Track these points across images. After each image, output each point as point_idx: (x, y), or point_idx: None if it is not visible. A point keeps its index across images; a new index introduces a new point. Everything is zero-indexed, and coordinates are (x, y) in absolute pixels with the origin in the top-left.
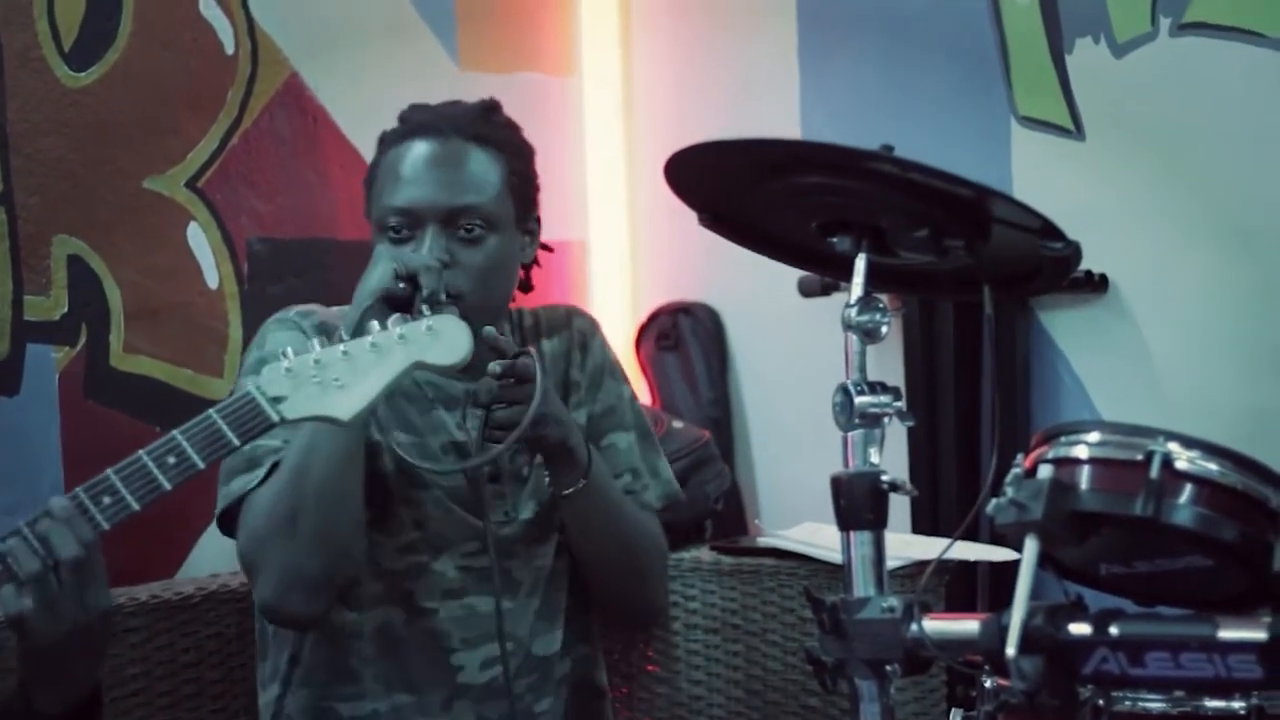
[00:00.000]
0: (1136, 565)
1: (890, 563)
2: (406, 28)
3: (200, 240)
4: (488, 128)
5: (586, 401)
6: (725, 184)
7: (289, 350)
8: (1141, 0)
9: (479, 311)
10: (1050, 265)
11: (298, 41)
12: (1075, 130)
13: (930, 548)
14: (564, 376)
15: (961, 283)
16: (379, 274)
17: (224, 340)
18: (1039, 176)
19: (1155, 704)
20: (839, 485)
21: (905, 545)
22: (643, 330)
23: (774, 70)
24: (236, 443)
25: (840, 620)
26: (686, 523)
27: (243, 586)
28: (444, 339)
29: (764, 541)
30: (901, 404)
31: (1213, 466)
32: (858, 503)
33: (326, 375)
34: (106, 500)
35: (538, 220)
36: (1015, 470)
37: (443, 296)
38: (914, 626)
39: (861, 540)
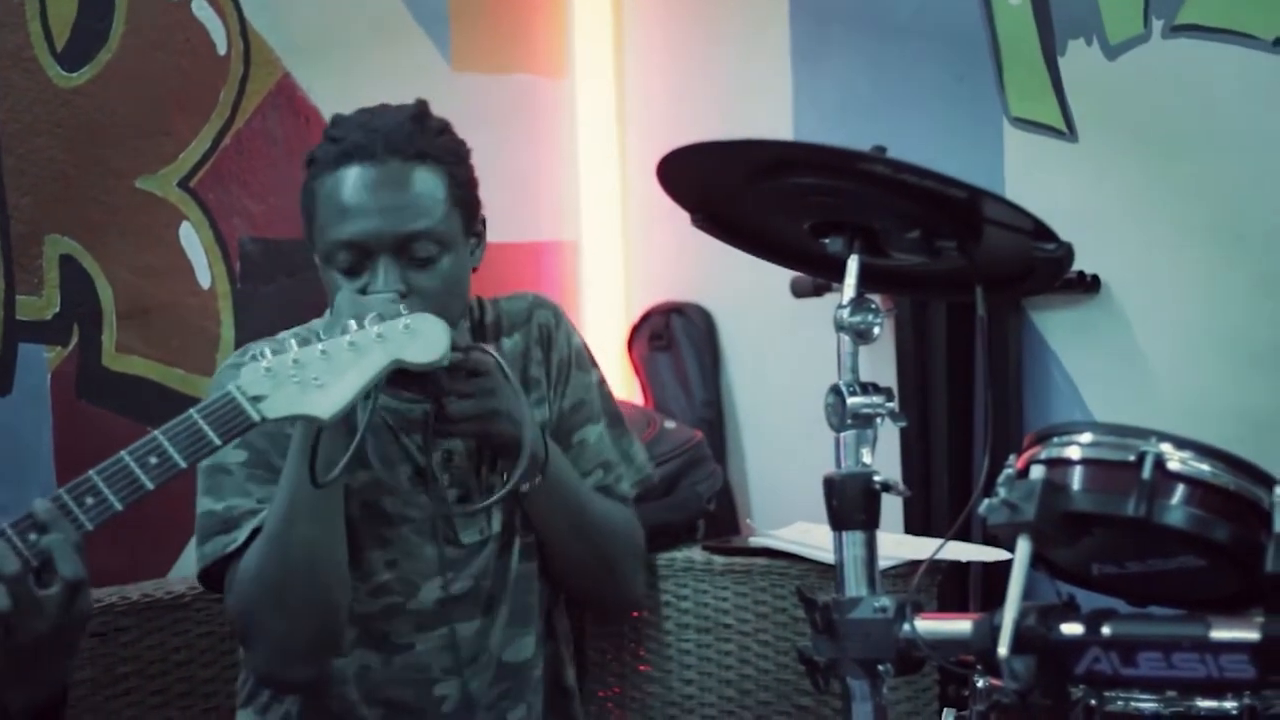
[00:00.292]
0: (1129, 565)
1: (882, 563)
2: (399, 29)
3: (192, 240)
4: (424, 140)
5: (553, 398)
6: (718, 185)
7: (267, 350)
8: (1134, 2)
9: None
10: (1042, 266)
11: (290, 42)
12: (1068, 131)
13: (922, 548)
14: (523, 374)
15: (954, 284)
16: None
17: (216, 340)
18: (1031, 177)
19: (1147, 704)
20: (831, 485)
21: (897, 545)
22: (635, 330)
23: (767, 71)
24: (218, 442)
25: (832, 620)
26: (679, 523)
27: None
28: (422, 337)
29: (756, 541)
30: (894, 404)
31: (1205, 467)
32: (850, 503)
33: (306, 375)
34: (90, 500)
35: (483, 221)
36: (1007, 471)
37: None
38: (906, 626)
39: (854, 540)
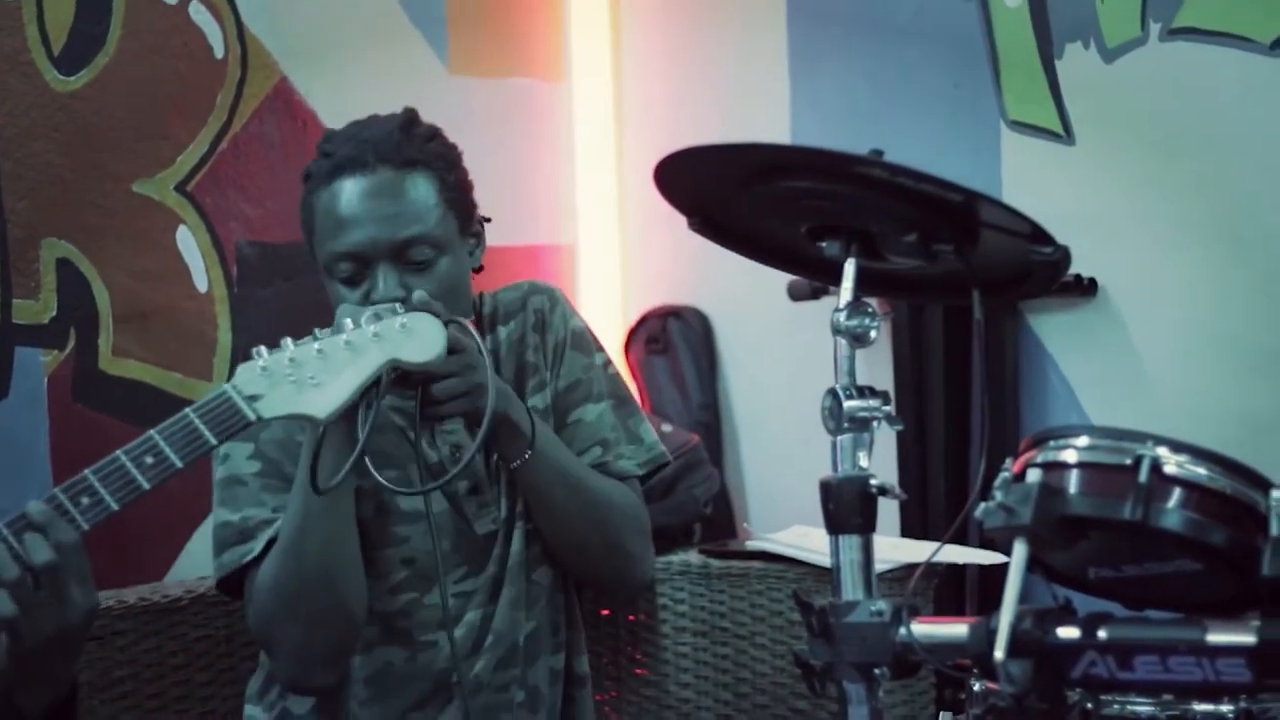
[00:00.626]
0: (1125, 569)
1: (879, 566)
2: (397, 32)
3: (189, 244)
4: (412, 147)
5: (549, 380)
6: (715, 188)
7: (263, 349)
8: (1131, 5)
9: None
10: (1040, 269)
11: (287, 46)
12: (1065, 135)
13: (919, 551)
14: (520, 361)
15: (951, 287)
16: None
17: (213, 344)
18: (1028, 181)
19: (1144, 708)
20: (828, 489)
21: (894, 549)
22: (632, 334)
23: (764, 75)
24: (214, 441)
25: (829, 623)
26: (676, 526)
27: None
28: (418, 336)
29: (753, 545)
30: (890, 408)
31: (1201, 471)
32: (846, 506)
33: (302, 374)
34: (85, 500)
35: (480, 221)
36: (1004, 474)
37: None
38: (902, 630)
39: (850, 544)
